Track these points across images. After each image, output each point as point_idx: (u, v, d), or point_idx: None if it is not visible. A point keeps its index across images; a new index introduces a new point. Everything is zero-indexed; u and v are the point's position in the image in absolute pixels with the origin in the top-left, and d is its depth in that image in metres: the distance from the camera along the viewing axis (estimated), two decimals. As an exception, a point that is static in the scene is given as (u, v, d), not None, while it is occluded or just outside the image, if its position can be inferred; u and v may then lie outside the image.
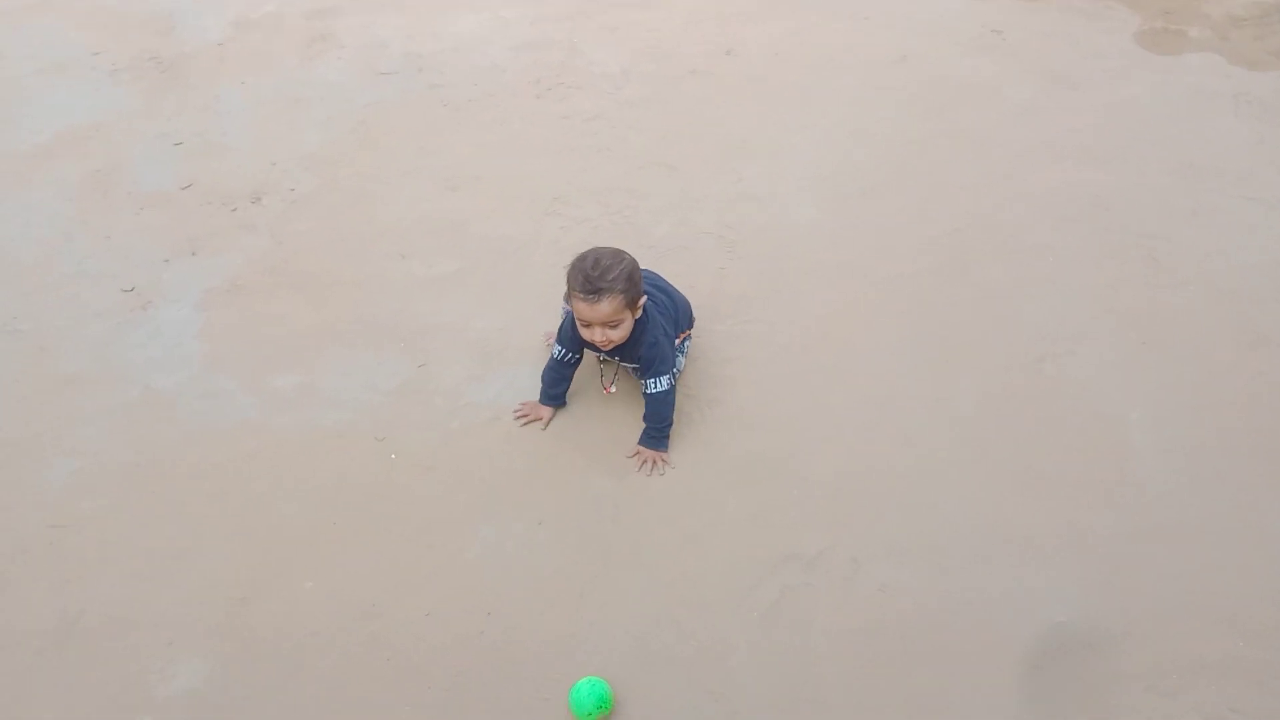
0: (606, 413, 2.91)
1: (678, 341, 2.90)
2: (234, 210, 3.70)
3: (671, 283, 3.04)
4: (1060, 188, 3.76)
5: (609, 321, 2.58)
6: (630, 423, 2.86)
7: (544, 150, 3.99)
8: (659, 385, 2.75)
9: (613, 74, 4.45)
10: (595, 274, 2.53)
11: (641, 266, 2.72)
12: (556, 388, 2.88)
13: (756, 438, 2.84)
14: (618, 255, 2.60)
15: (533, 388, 2.93)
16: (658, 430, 2.78)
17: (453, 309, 3.27)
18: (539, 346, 3.11)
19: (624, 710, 2.25)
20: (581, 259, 2.59)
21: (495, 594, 2.47)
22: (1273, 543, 2.56)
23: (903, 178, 3.82)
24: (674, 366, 2.79)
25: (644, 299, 2.66)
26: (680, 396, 2.91)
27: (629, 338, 2.67)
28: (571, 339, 2.76)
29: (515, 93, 4.35)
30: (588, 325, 2.61)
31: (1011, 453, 2.78)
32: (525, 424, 2.87)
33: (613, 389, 2.95)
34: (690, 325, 3.03)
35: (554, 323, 3.10)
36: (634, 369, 2.84)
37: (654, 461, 2.76)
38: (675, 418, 2.81)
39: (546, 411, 2.88)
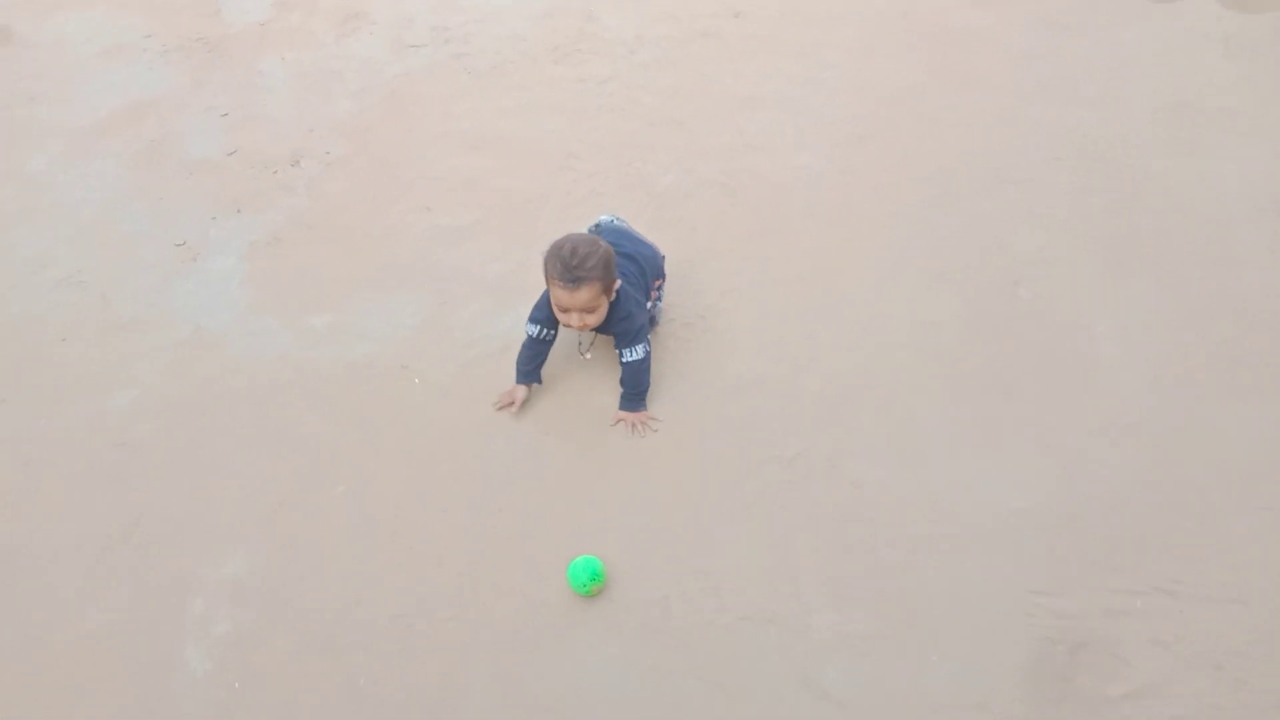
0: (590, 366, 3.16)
1: (651, 297, 3.03)
2: (275, 173, 4.02)
3: (639, 234, 3.17)
4: (1050, 126, 3.94)
5: (586, 307, 2.70)
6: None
7: (559, 111, 4.25)
8: (635, 354, 2.87)
9: (626, 39, 4.69)
10: (574, 263, 2.63)
11: (616, 216, 2.98)
12: (532, 364, 2.97)
13: (747, 359, 3.08)
14: (593, 243, 2.70)
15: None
16: (635, 394, 2.90)
17: (471, 255, 3.55)
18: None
19: (618, 584, 2.52)
20: (559, 247, 2.70)
21: (504, 494, 2.75)
22: (1222, 439, 2.75)
23: (899, 123, 4.02)
24: (648, 334, 2.91)
25: (618, 282, 2.78)
26: (678, 324, 3.17)
27: (606, 317, 2.81)
28: (548, 317, 2.87)
29: (534, 59, 4.61)
30: (565, 310, 2.72)
31: (983, 365, 2.99)
32: (500, 409, 2.96)
33: (588, 355, 3.10)
34: (661, 276, 3.14)
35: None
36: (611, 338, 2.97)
37: (639, 424, 2.88)
38: (672, 348, 3.03)
39: (521, 392, 2.95)
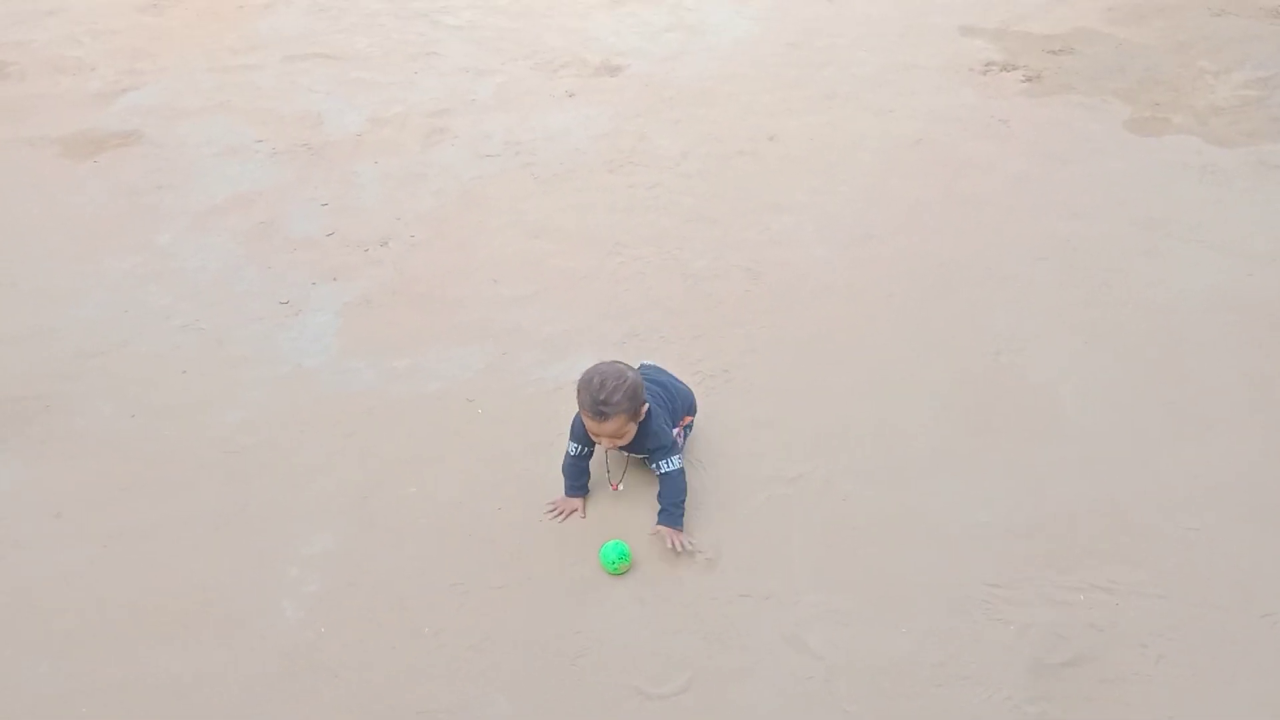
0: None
1: (678, 429, 3.24)
2: (366, 251, 4.70)
3: (674, 375, 3.43)
4: (1038, 235, 4.52)
5: (615, 435, 2.94)
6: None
7: (611, 209, 4.92)
8: (670, 465, 3.06)
9: (674, 155, 5.40)
10: (601, 397, 2.86)
11: (646, 363, 3.38)
12: (578, 480, 3.20)
13: (762, 404, 3.61)
14: (620, 376, 2.92)
15: (582, 371, 3.72)
16: (674, 507, 3.06)
17: (530, 317, 4.16)
18: (593, 343, 3.95)
19: (641, 565, 3.01)
20: (588, 380, 2.93)
21: (549, 496, 3.26)
22: (1162, 475, 3.23)
23: (904, 228, 4.63)
24: (680, 449, 3.13)
25: (645, 406, 2.98)
26: (704, 376, 3.72)
27: (635, 436, 3.03)
28: (583, 435, 3.08)
29: (592, 169, 5.32)
30: (596, 436, 3.00)
31: (964, 412, 3.50)
32: (564, 519, 3.17)
33: (620, 487, 3.27)
34: (692, 413, 3.38)
35: (605, 325, 3.97)
36: (644, 458, 3.20)
37: (677, 541, 3.00)
38: (701, 396, 3.43)
39: (578, 502, 3.20)
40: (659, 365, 3.50)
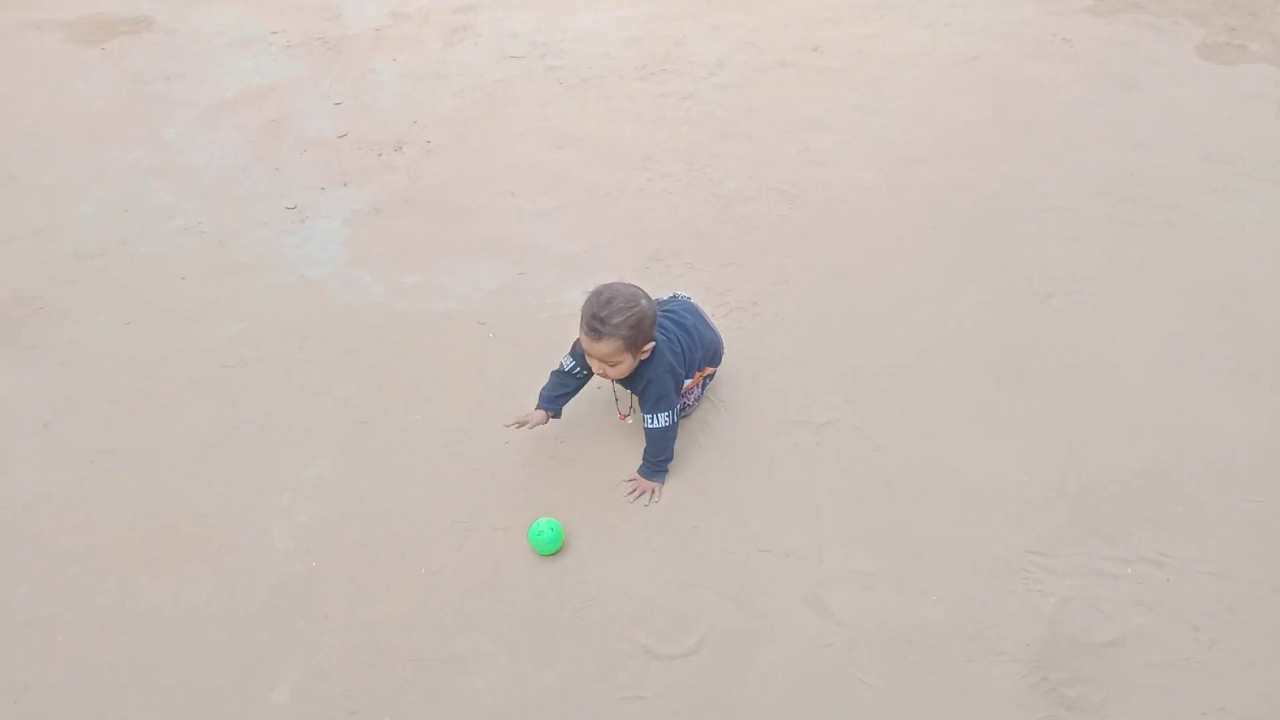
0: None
1: (694, 380, 3.01)
2: (379, 155, 4.44)
3: (706, 316, 3.11)
4: (1097, 166, 4.20)
5: (606, 360, 2.69)
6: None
7: (640, 120, 4.62)
8: (657, 421, 2.82)
9: (709, 63, 5.07)
10: (603, 314, 2.62)
11: (680, 295, 3.10)
12: (555, 391, 2.93)
13: (791, 338, 3.37)
14: (631, 300, 2.66)
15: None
16: (655, 463, 2.87)
17: (548, 234, 3.91)
18: (613, 266, 3.71)
19: (654, 511, 2.81)
20: (597, 294, 2.69)
21: (563, 431, 3.06)
22: (1219, 439, 2.96)
23: (953, 153, 4.31)
24: (675, 404, 2.84)
25: (650, 344, 2.73)
26: (731, 307, 3.47)
27: (632, 372, 2.77)
28: (580, 354, 2.84)
29: (622, 75, 5.00)
30: (588, 355, 2.74)
31: (1007, 358, 3.25)
32: (516, 427, 2.92)
33: (629, 419, 3.05)
34: (715, 363, 3.09)
35: (627, 246, 3.72)
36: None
37: (649, 491, 2.86)
38: (725, 328, 3.16)
39: (539, 415, 2.91)
40: (695, 304, 3.17)
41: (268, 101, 4.83)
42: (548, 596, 2.63)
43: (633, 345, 2.68)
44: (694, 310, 3.07)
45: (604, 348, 2.65)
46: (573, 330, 3.36)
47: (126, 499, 2.94)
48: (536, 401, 2.95)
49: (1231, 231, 3.77)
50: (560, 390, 2.94)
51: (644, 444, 2.90)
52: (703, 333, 3.01)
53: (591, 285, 3.55)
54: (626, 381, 2.84)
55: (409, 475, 2.97)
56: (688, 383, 2.96)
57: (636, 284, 2.78)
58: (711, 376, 3.14)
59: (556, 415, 2.97)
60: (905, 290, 3.55)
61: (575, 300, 3.54)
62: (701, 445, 3.01)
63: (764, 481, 2.89)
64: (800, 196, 4.06)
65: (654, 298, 2.91)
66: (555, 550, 2.71)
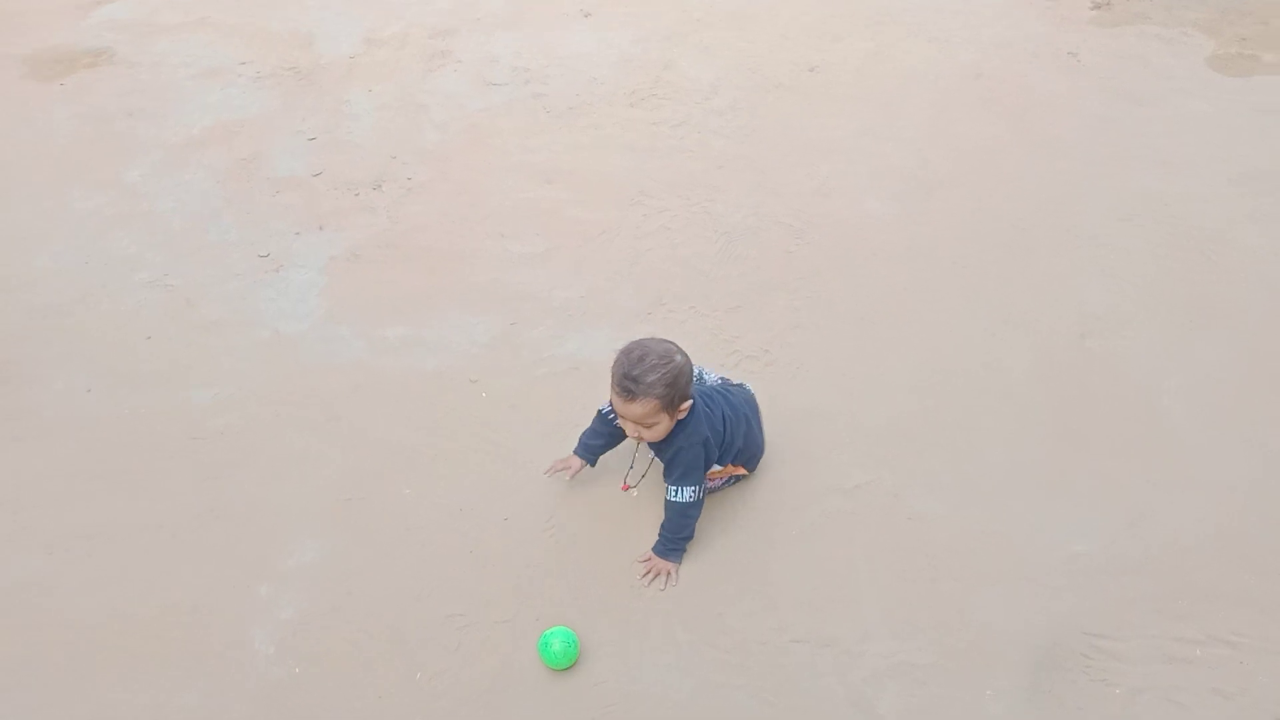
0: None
1: (722, 472, 2.75)
2: (357, 195, 4.16)
3: (758, 415, 2.83)
4: (1122, 189, 3.97)
5: (641, 422, 2.45)
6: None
7: (632, 150, 4.36)
8: (682, 495, 2.57)
9: (702, 87, 4.81)
10: (635, 373, 2.39)
11: (743, 386, 2.80)
12: (593, 440, 2.77)
13: (810, 392, 3.12)
14: (665, 356, 2.43)
15: (603, 349, 3.23)
16: (672, 540, 2.62)
17: (541, 280, 3.64)
18: (612, 314, 3.45)
19: (677, 598, 2.55)
20: (627, 351, 2.45)
21: (562, 508, 2.79)
22: (1290, 497, 2.73)
23: (972, 177, 4.07)
24: (702, 480, 2.60)
25: (688, 403, 2.49)
26: (741, 356, 3.22)
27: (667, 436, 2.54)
28: None
29: (611, 102, 4.74)
30: (622, 419, 2.51)
31: (1049, 411, 3.01)
32: (551, 474, 2.81)
33: (635, 492, 2.82)
34: (749, 466, 2.82)
35: (626, 291, 3.46)
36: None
37: (664, 573, 2.61)
38: (736, 379, 2.89)
39: (576, 463, 2.77)
40: (757, 403, 2.85)
41: (237, 138, 4.54)
42: (561, 702, 2.37)
43: (669, 405, 2.43)
44: (753, 405, 2.82)
45: (638, 409, 2.41)
46: (571, 390, 3.13)
47: (90, 592, 2.65)
48: (575, 448, 2.79)
49: (1276, 259, 3.54)
50: (599, 438, 2.76)
51: (652, 520, 2.63)
52: (752, 428, 2.75)
53: (590, 336, 3.35)
54: (660, 448, 2.60)
55: (402, 560, 2.69)
56: (716, 469, 2.69)
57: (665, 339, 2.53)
58: (739, 479, 2.83)
59: (591, 465, 2.81)
60: (932, 334, 3.30)
61: (572, 354, 3.29)
62: (721, 515, 2.75)
63: (795, 558, 2.63)
64: (808, 229, 3.81)
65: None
66: (569, 666, 2.42)
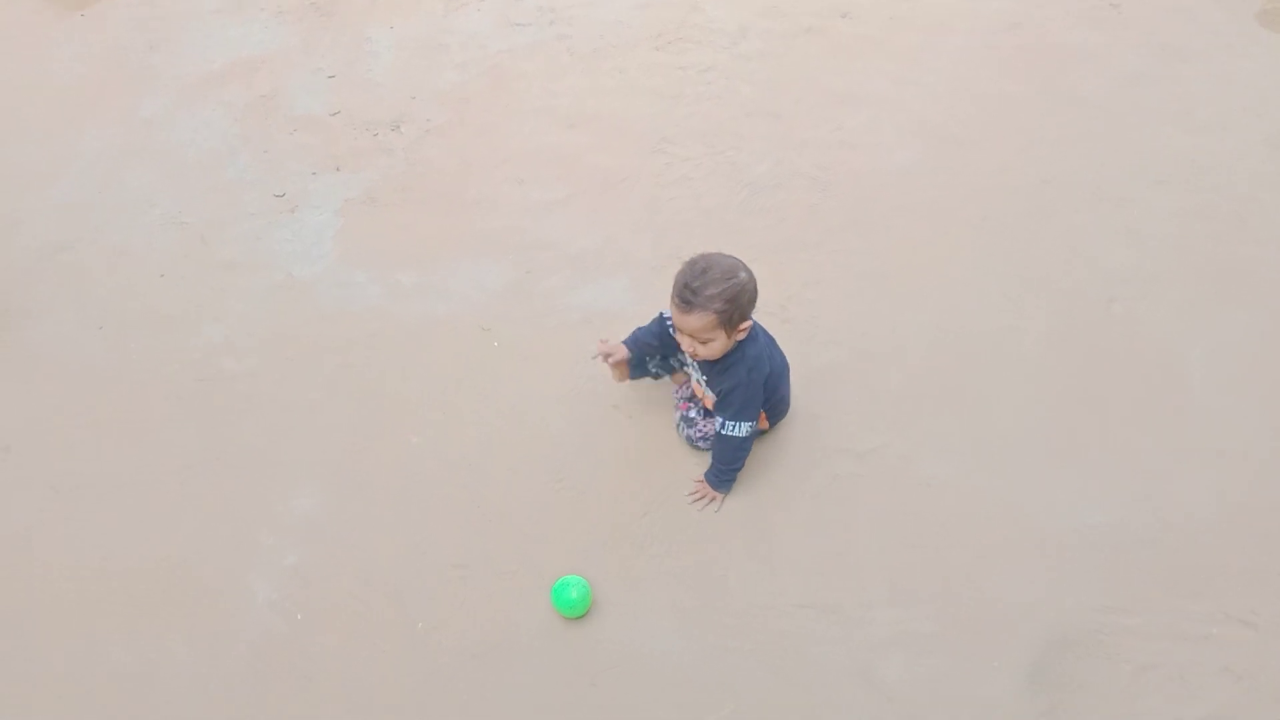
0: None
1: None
2: (375, 135, 4.09)
3: (775, 337, 2.77)
4: (1155, 148, 3.84)
5: (697, 336, 2.38)
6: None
7: (657, 95, 4.26)
8: (738, 429, 2.52)
9: (730, 31, 4.68)
10: (696, 284, 2.32)
11: (737, 260, 2.56)
12: (646, 337, 2.69)
13: (826, 350, 3.05)
14: (730, 271, 2.36)
15: (619, 301, 3.19)
16: (726, 471, 2.61)
17: (559, 228, 3.58)
18: (629, 265, 3.38)
19: (680, 560, 2.52)
20: (692, 263, 2.38)
21: (569, 464, 2.77)
22: (1316, 473, 2.65)
23: (999, 132, 3.95)
24: (756, 414, 2.55)
25: (748, 324, 2.43)
26: (759, 313, 3.14)
27: (721, 359, 2.47)
28: None
29: (636, 45, 4.62)
30: (679, 330, 2.43)
31: (1069, 377, 2.93)
32: (600, 359, 2.71)
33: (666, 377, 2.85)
34: (773, 418, 2.77)
35: (644, 242, 3.39)
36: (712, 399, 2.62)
37: (712, 498, 2.64)
38: None
39: (622, 351, 2.67)
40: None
41: (256, 75, 4.47)
42: (560, 659, 2.35)
43: (728, 321, 2.36)
44: (787, 362, 2.77)
45: (695, 321, 2.33)
46: (584, 342, 3.07)
47: (90, 538, 2.66)
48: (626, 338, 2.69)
49: (1311, 227, 3.43)
50: (653, 338, 2.66)
51: (661, 480, 2.60)
52: (787, 382, 2.73)
53: (606, 287, 3.29)
54: (712, 373, 2.52)
55: (406, 510, 2.68)
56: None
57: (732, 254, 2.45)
58: (760, 434, 2.76)
59: (633, 365, 2.72)
60: (952, 294, 3.22)
61: (586, 305, 3.24)
62: (730, 476, 2.71)
63: (802, 521, 2.59)
64: (834, 183, 3.72)
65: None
66: (579, 616, 2.41)
